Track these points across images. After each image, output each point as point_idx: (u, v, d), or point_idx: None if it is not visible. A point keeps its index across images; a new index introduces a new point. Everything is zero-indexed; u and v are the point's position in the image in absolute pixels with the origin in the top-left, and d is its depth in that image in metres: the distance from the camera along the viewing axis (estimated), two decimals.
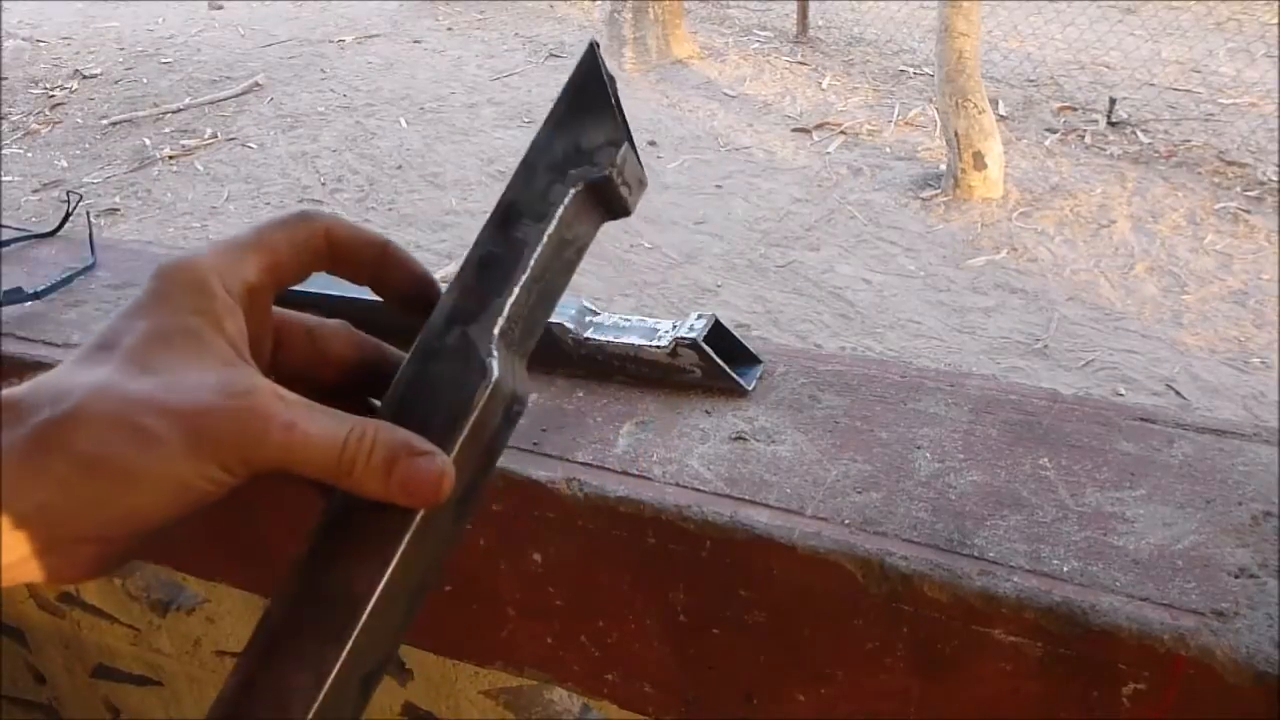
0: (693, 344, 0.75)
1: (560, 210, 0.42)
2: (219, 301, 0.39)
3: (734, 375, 0.76)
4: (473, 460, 0.41)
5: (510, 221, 0.43)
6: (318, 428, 0.37)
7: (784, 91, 6.13)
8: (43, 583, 0.38)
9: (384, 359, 0.45)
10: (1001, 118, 5.29)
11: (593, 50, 0.43)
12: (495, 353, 0.41)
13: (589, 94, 0.43)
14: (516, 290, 0.42)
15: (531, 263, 0.42)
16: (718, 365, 0.75)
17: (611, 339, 0.78)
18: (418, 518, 0.40)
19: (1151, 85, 5.75)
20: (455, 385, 0.40)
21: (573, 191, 0.42)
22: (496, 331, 0.41)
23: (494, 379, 0.40)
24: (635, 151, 0.44)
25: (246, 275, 0.40)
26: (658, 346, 0.76)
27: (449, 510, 0.41)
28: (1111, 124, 5.33)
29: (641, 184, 0.45)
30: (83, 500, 0.35)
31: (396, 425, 0.39)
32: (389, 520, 0.40)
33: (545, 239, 0.42)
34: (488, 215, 0.44)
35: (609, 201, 0.44)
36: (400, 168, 5.51)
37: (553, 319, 0.79)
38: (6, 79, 7.25)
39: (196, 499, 0.37)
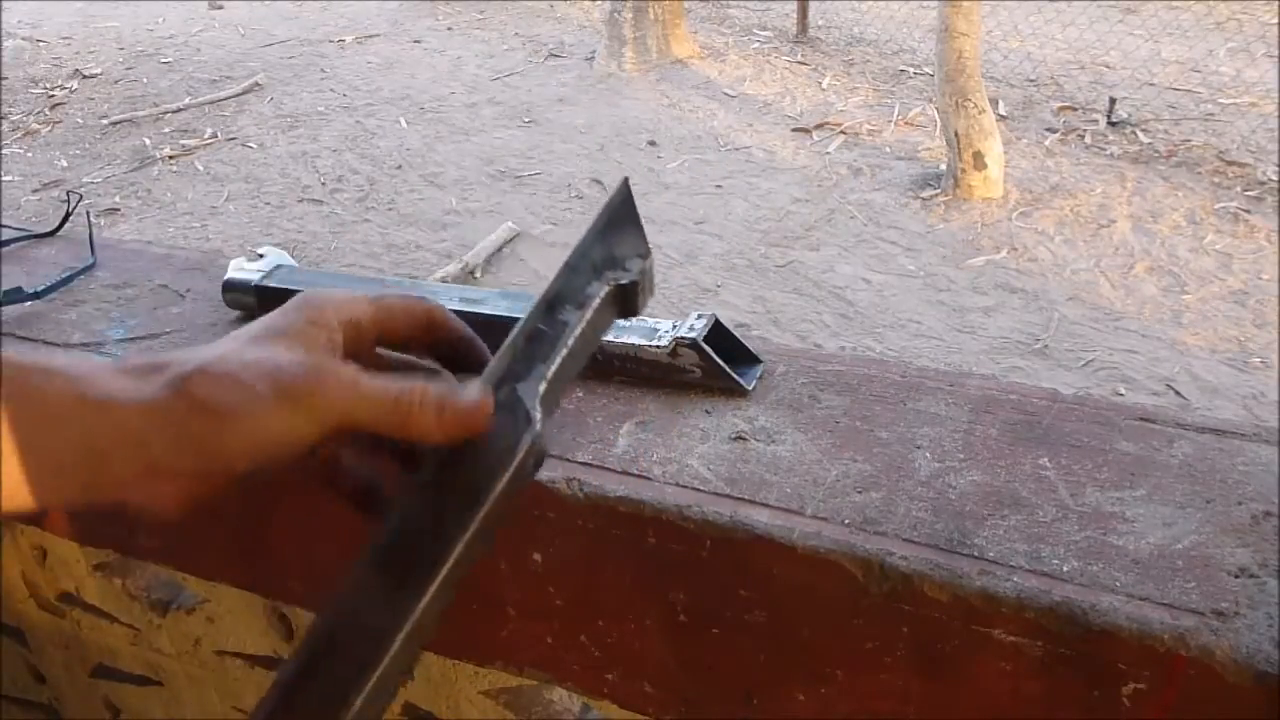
0: (693, 344, 0.75)
1: (596, 302, 0.52)
2: (325, 319, 0.50)
3: (734, 375, 0.76)
4: (504, 496, 0.48)
5: (555, 307, 0.53)
6: (374, 384, 0.48)
7: (784, 91, 6.13)
8: (142, 507, 0.47)
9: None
10: (1001, 118, 5.29)
11: (625, 184, 0.55)
12: (539, 408, 0.49)
13: (622, 215, 0.54)
14: (558, 361, 0.51)
15: (570, 341, 0.51)
16: (718, 365, 0.75)
17: (611, 339, 0.78)
18: (460, 546, 0.46)
19: (1151, 85, 5.75)
20: (504, 431, 0.49)
21: (606, 289, 0.53)
22: (541, 391, 0.50)
23: (538, 428, 0.48)
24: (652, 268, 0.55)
25: (356, 314, 0.51)
26: (658, 346, 0.76)
27: (480, 538, 0.47)
28: (1111, 124, 5.33)
29: (651, 293, 0.55)
30: (193, 436, 0.45)
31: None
32: (431, 550, 0.46)
33: (583, 324, 0.52)
34: (539, 297, 0.53)
35: (627, 301, 0.54)
36: (400, 167, 5.51)
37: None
38: (6, 79, 7.25)
39: (279, 447, 0.46)
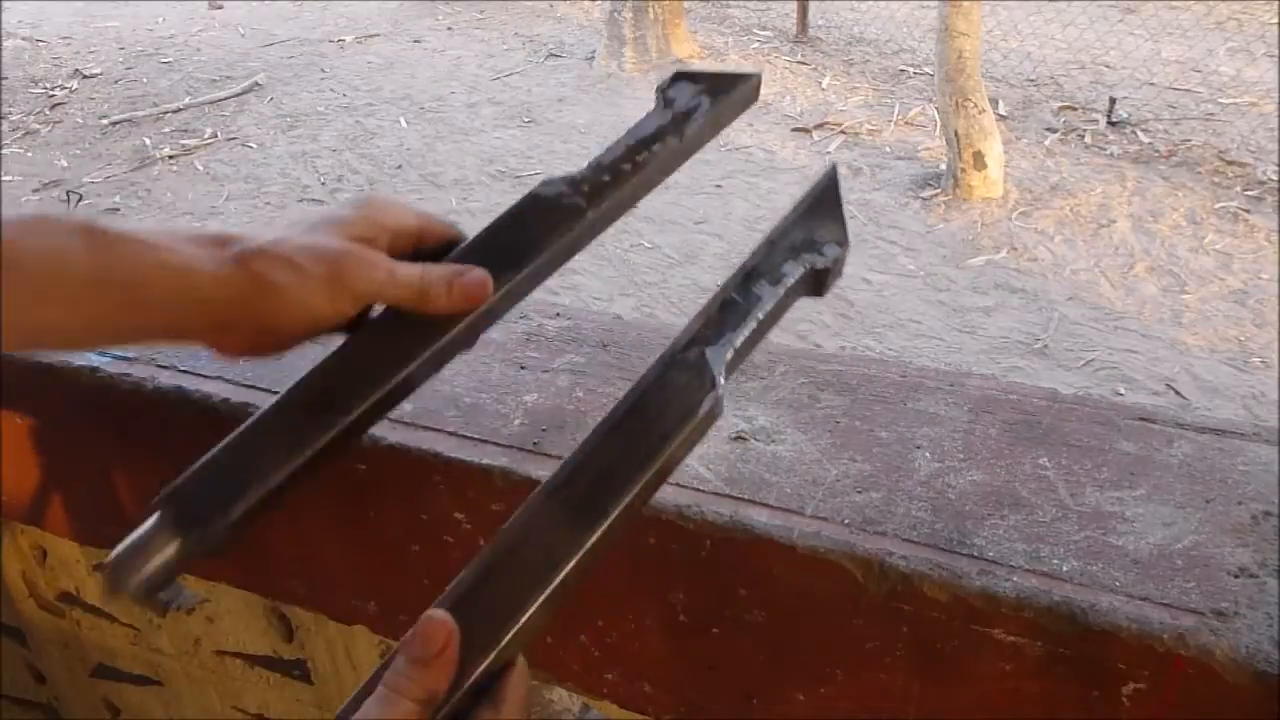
0: None
1: (791, 281, 0.55)
2: (377, 218, 0.57)
3: None
4: (681, 447, 0.51)
5: (751, 279, 0.56)
6: (403, 270, 0.55)
7: (784, 91, 6.13)
8: (210, 348, 0.56)
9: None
10: (1001, 117, 5.29)
11: (833, 170, 0.58)
12: (724, 373, 0.52)
13: (826, 200, 0.57)
14: (747, 332, 0.54)
15: (761, 315, 0.54)
16: None
17: None
18: (636, 489, 0.49)
19: (1151, 85, 5.75)
20: (689, 389, 0.52)
21: (802, 270, 0.56)
22: (728, 358, 0.53)
23: (720, 392, 0.51)
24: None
25: (404, 221, 0.58)
26: None
27: (653, 483, 0.51)
28: (1111, 124, 5.33)
29: (838, 278, 0.58)
30: (249, 304, 0.53)
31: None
32: (610, 490, 0.50)
33: (775, 300, 0.55)
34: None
35: (817, 284, 0.57)
36: (400, 167, 5.51)
37: None
38: (6, 79, 7.25)
39: (323, 318, 0.54)
